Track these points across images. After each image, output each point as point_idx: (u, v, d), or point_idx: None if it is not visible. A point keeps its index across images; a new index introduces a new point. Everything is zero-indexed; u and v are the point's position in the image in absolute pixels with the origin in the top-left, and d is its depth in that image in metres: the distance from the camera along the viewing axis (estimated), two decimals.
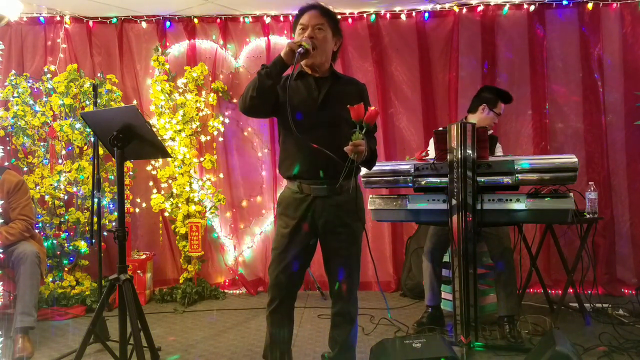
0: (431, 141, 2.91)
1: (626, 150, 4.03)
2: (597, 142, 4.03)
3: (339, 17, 2.24)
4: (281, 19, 4.28)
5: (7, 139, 3.90)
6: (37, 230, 3.44)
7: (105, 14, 4.19)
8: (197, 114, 4.13)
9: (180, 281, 4.05)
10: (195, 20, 4.28)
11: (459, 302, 2.58)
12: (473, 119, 3.18)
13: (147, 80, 4.24)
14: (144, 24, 4.26)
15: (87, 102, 3.88)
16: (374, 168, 2.21)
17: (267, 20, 4.27)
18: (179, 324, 3.40)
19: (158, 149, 2.26)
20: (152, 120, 4.11)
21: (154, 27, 4.28)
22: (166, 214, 4.14)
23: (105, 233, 3.61)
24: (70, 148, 3.93)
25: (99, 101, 3.67)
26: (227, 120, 4.26)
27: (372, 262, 2.37)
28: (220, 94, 4.25)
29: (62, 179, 3.80)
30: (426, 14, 4.20)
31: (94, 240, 3.14)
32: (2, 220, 2.91)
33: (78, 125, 3.81)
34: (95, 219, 3.08)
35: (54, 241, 3.76)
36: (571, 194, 2.51)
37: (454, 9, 4.17)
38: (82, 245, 3.77)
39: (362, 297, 3.42)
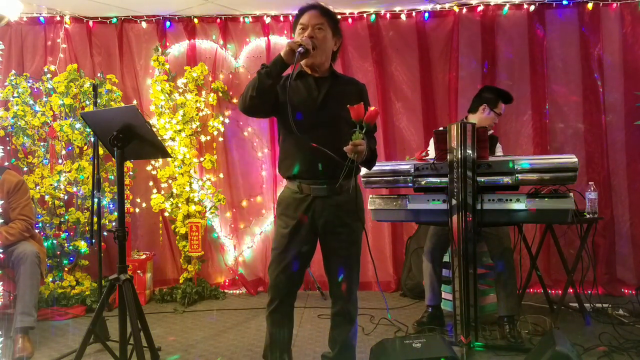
0: (431, 141, 2.91)
1: (626, 150, 4.03)
2: (597, 142, 4.03)
3: (339, 17, 2.24)
4: (281, 19, 4.28)
5: (7, 139, 3.90)
6: (37, 230, 3.44)
7: (105, 14, 4.19)
8: (197, 114, 4.13)
9: (180, 281, 4.05)
10: (195, 20, 4.28)
11: (459, 302, 2.58)
12: (473, 119, 3.19)
13: (147, 80, 4.24)
14: (144, 24, 4.26)
15: (87, 102, 3.88)
16: (374, 168, 2.21)
17: (267, 20, 4.27)
18: (179, 324, 3.40)
19: (158, 149, 2.26)
20: (152, 120, 4.11)
21: (154, 27, 4.28)
22: (166, 214, 4.14)
23: (105, 233, 3.61)
24: (70, 148, 3.93)
25: (99, 101, 3.67)
26: (227, 120, 4.26)
27: (372, 262, 2.37)
28: (220, 94, 4.26)
29: (62, 179, 3.80)
30: (426, 14, 4.20)
31: (94, 240, 3.14)
32: (2, 220, 2.91)
33: (78, 125, 3.81)
34: (95, 219, 3.08)
35: (54, 241, 3.76)
36: (571, 194, 2.51)
37: (454, 9, 4.17)
38: (82, 245, 3.77)
39: (362, 297, 3.42)
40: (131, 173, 4.17)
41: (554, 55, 4.12)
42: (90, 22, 4.23)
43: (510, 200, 2.52)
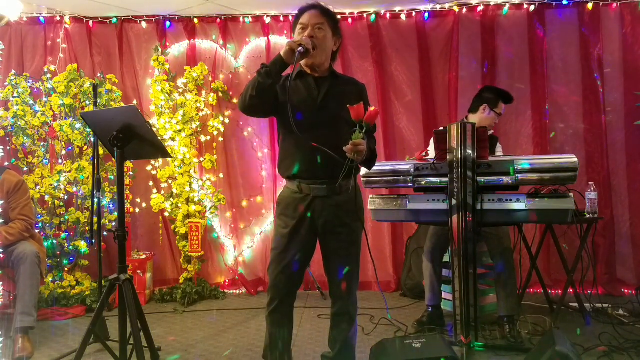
0: (431, 141, 2.91)
1: (626, 150, 4.03)
2: (597, 142, 4.03)
3: (339, 17, 2.24)
4: (281, 19, 4.28)
5: (7, 139, 3.90)
6: (37, 230, 3.44)
7: (105, 14, 4.19)
8: (197, 114, 4.13)
9: (180, 281, 4.05)
10: (195, 20, 4.28)
11: (459, 302, 2.58)
12: (474, 119, 3.19)
13: (147, 80, 4.24)
14: (144, 24, 4.26)
15: (87, 102, 3.88)
16: (374, 168, 2.21)
17: (267, 20, 4.27)
18: (179, 324, 3.40)
19: (158, 149, 2.26)
20: (152, 120, 4.11)
21: (154, 27, 4.28)
22: (166, 214, 4.14)
23: (105, 233, 3.62)
24: (70, 148, 3.93)
25: (99, 101, 3.67)
26: (227, 120, 4.26)
27: (372, 262, 2.36)
28: (220, 94, 4.26)
29: (62, 179, 3.80)
30: (426, 14, 4.20)
31: (94, 240, 3.14)
32: (2, 220, 2.91)
33: (78, 125, 3.81)
34: (95, 219, 3.08)
35: (54, 241, 3.76)
36: (571, 194, 2.51)
37: (454, 9, 4.17)
38: (82, 245, 3.77)
39: (362, 297, 3.43)
40: (131, 173, 4.17)
41: (554, 55, 4.12)
42: (90, 22, 4.23)
43: (510, 200, 2.52)
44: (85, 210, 3.87)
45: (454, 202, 2.54)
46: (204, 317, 3.56)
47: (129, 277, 2.12)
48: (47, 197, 3.81)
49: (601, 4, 4.04)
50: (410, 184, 2.71)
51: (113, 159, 2.42)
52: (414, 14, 4.21)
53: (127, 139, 2.12)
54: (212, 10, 4.16)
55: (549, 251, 3.95)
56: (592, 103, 4.04)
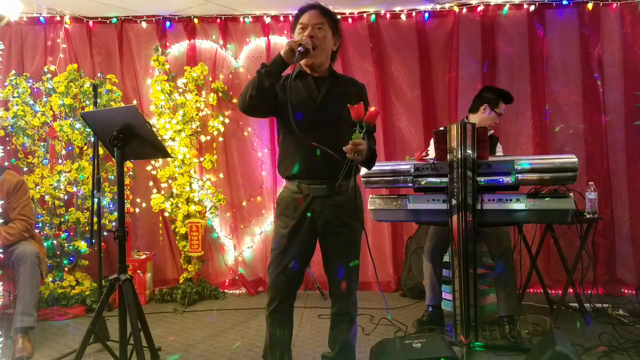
0: (431, 141, 2.91)
1: (626, 150, 4.03)
2: (597, 142, 4.03)
3: (338, 17, 2.24)
4: (281, 19, 4.28)
5: (7, 139, 3.90)
6: (37, 230, 3.44)
7: (105, 14, 4.19)
8: (197, 114, 4.13)
9: (180, 281, 4.05)
10: (195, 20, 4.28)
11: (459, 302, 2.58)
12: (474, 119, 3.19)
13: (147, 80, 4.24)
14: (144, 24, 4.26)
15: (87, 102, 3.88)
16: (374, 168, 2.21)
17: (267, 20, 4.27)
18: (179, 324, 3.40)
19: (158, 149, 2.26)
20: (152, 120, 4.11)
21: (154, 27, 4.28)
22: (166, 214, 4.14)
23: (105, 233, 3.61)
24: (70, 148, 3.93)
25: (99, 101, 3.67)
26: (227, 120, 4.26)
27: (372, 262, 2.36)
28: (220, 94, 4.26)
29: (62, 179, 3.80)
30: (426, 14, 4.20)
31: (94, 240, 3.14)
32: (2, 220, 2.91)
33: (78, 125, 3.81)
34: (95, 219, 3.08)
35: (54, 241, 3.76)
36: (571, 194, 2.51)
37: (454, 9, 4.17)
38: (82, 245, 3.77)
39: (362, 297, 3.43)
40: (131, 173, 4.17)
41: (554, 55, 4.12)
42: (90, 22, 4.23)
43: (510, 200, 2.52)
44: (85, 210, 3.87)
45: (454, 202, 2.54)
46: (204, 317, 3.56)
47: (129, 277, 2.12)
48: (47, 197, 3.81)
49: (601, 4, 4.04)
50: (410, 184, 2.71)
51: (113, 159, 2.42)
52: (414, 14, 4.21)
53: (127, 139, 2.12)
54: (212, 10, 4.16)
55: (549, 251, 3.95)
56: (592, 103, 4.04)
